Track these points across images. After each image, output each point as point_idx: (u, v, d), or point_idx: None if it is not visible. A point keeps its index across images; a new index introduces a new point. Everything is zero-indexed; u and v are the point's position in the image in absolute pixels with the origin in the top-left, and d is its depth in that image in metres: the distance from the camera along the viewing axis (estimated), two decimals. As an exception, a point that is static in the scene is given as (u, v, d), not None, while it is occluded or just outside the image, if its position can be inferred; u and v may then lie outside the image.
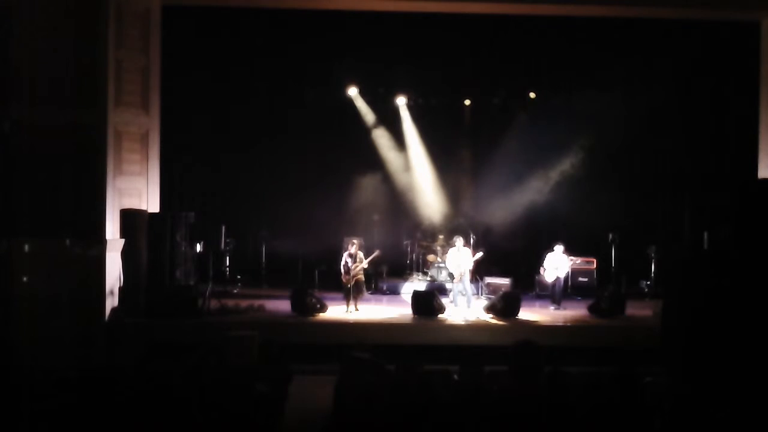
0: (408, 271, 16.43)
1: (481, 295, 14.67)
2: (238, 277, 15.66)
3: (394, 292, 15.34)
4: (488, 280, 15.15)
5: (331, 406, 6.74)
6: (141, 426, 5.85)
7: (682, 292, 8.99)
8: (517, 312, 12.71)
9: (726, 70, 15.36)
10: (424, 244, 16.46)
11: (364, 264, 13.28)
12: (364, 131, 16.99)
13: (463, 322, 12.54)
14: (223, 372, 7.63)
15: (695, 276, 8.69)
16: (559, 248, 13.71)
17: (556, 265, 13.65)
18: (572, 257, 14.66)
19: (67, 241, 11.84)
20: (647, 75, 15.72)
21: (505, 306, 12.70)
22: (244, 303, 13.43)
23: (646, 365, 7.82)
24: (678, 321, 9.06)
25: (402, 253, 16.60)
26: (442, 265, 15.28)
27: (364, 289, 13.57)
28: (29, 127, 11.93)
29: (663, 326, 9.84)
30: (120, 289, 12.55)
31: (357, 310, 13.10)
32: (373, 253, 13.59)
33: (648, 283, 15.16)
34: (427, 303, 12.81)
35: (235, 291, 14.77)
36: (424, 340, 11.79)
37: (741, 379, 7.46)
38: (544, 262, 13.81)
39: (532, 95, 16.75)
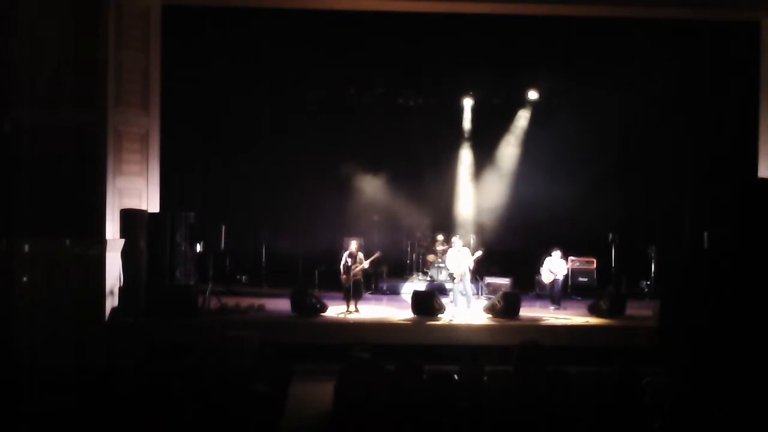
0: (408, 271, 16.43)
1: (481, 295, 14.67)
2: (244, 278, 15.65)
3: (394, 292, 15.33)
4: (488, 280, 15.16)
5: (331, 406, 6.75)
6: (140, 426, 5.85)
7: (681, 291, 9.00)
8: (517, 312, 12.70)
9: (726, 70, 15.34)
10: (424, 244, 16.46)
11: (365, 264, 13.28)
12: (364, 131, 16.98)
13: (463, 322, 12.52)
14: (223, 372, 7.63)
15: (695, 276, 8.70)
16: (557, 254, 13.73)
17: (554, 269, 13.66)
18: (572, 257, 14.65)
19: (67, 241, 11.82)
20: (647, 75, 15.70)
21: (505, 306, 12.69)
22: (244, 303, 13.43)
23: (646, 365, 7.82)
24: (677, 320, 9.07)
25: (402, 253, 16.60)
26: (442, 265, 15.27)
27: (363, 289, 13.58)
28: (29, 127, 11.92)
29: (661, 325, 9.85)
30: (120, 289, 12.52)
31: (357, 310, 13.09)
32: (374, 254, 13.59)
33: (648, 283, 15.15)
34: (427, 303, 12.80)
35: (235, 291, 14.74)
36: (424, 340, 11.78)
37: (740, 378, 7.47)
38: (542, 266, 13.84)
39: (532, 95, 16.76)
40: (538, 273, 14.31)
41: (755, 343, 7.66)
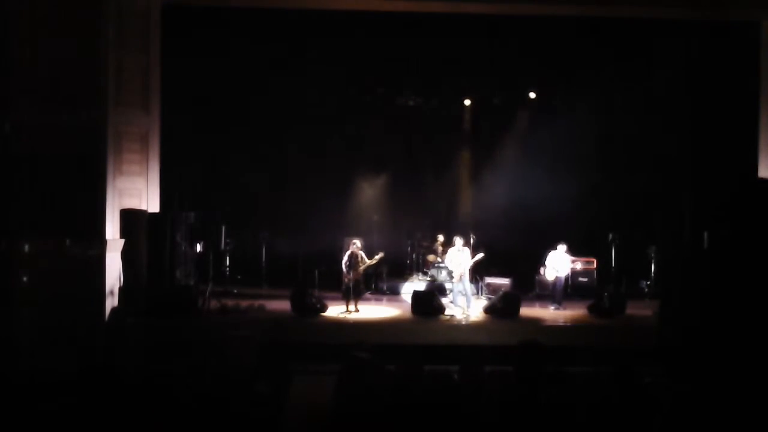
0: (408, 271, 16.42)
1: (481, 295, 14.67)
2: (244, 278, 15.69)
3: (394, 292, 15.33)
4: (488, 280, 15.15)
5: (331, 406, 6.74)
6: (141, 426, 5.85)
7: (681, 291, 9.01)
8: (517, 312, 12.71)
9: (726, 70, 15.34)
10: (424, 244, 16.45)
11: (371, 261, 13.30)
12: (364, 131, 16.97)
13: (463, 322, 12.54)
14: (223, 372, 7.64)
15: (695, 276, 8.70)
16: (562, 248, 13.73)
17: (557, 264, 13.65)
18: (573, 258, 14.66)
19: (67, 241, 11.82)
20: (647, 75, 15.71)
21: (505, 306, 12.70)
22: (244, 303, 13.43)
23: (646, 365, 7.82)
24: (677, 320, 9.07)
25: (402, 253, 16.60)
26: (442, 265, 15.26)
27: (363, 289, 13.60)
28: (29, 127, 11.92)
29: (660, 325, 9.85)
30: (120, 289, 12.53)
31: (357, 310, 13.09)
32: (376, 254, 13.60)
33: (648, 283, 15.16)
34: (427, 303, 12.81)
35: (235, 291, 14.75)
36: (424, 340, 11.78)
37: (740, 378, 7.47)
38: (546, 260, 13.83)
39: (532, 95, 16.77)
40: (539, 273, 14.29)
41: (755, 343, 7.67)
